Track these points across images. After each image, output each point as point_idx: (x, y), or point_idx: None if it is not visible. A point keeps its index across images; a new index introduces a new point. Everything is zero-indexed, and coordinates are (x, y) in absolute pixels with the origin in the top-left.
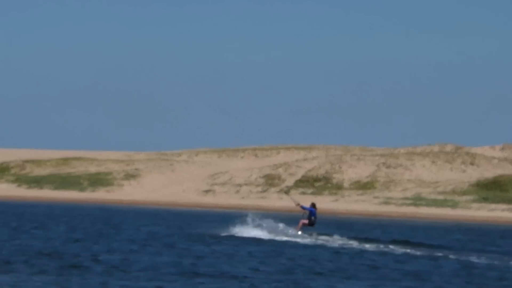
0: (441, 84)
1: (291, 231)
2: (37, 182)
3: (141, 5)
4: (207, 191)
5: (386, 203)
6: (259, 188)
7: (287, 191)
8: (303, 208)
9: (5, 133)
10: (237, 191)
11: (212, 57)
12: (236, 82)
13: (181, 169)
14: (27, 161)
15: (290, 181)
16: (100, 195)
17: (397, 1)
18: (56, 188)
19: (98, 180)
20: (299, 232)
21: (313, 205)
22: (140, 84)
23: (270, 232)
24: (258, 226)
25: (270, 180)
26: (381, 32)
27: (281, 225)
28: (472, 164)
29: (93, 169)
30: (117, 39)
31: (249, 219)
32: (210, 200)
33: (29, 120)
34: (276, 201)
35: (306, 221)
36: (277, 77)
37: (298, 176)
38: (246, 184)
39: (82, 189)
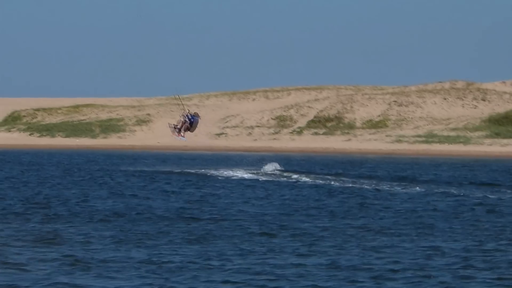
0: (451, 19)
1: (174, 136)
2: (48, 130)
3: None
4: (219, 135)
5: (398, 141)
6: (271, 130)
7: (179, 99)
8: (188, 117)
9: (15, 82)
10: (249, 134)
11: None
12: (244, 23)
13: None
14: (38, 110)
15: (302, 122)
16: (112, 141)
17: None
18: (68, 135)
19: (109, 127)
20: (180, 133)
21: (196, 114)
22: (148, 27)
23: None
24: None
25: (282, 122)
26: None
27: None
28: (483, 100)
29: (104, 115)
30: None
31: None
32: (222, 144)
33: (39, 68)
34: (289, 142)
35: (188, 124)
36: (286, 16)
37: (310, 116)
38: (258, 126)
39: (94, 136)
